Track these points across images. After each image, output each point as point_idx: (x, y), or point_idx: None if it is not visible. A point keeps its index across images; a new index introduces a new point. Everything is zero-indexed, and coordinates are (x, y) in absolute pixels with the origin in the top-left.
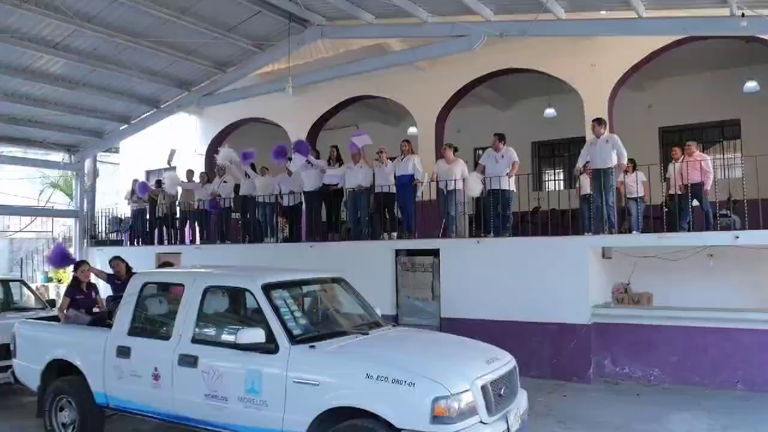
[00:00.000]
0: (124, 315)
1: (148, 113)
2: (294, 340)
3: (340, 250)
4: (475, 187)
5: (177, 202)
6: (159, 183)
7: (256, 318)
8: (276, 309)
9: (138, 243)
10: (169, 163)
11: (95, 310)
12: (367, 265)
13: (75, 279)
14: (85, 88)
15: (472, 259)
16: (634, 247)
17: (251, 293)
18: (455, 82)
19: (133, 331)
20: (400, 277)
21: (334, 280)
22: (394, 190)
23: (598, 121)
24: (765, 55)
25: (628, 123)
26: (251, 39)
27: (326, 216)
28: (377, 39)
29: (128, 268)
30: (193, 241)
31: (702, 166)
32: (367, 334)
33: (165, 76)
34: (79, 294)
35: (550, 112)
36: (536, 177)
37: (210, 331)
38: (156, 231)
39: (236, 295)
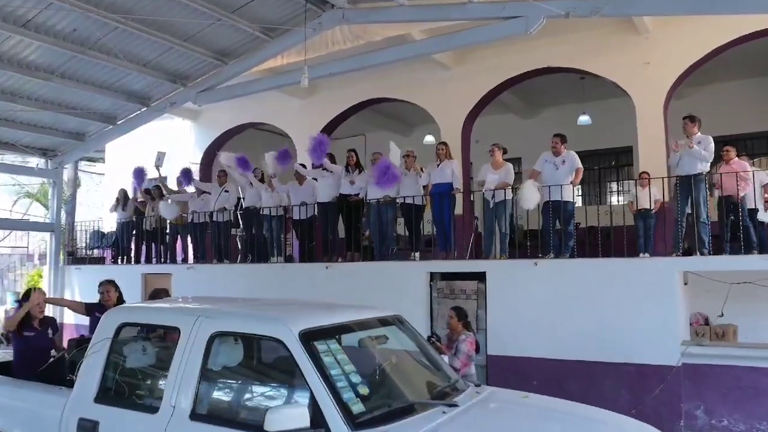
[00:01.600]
0: (90, 371)
1: (137, 112)
2: (355, 423)
3: (362, 272)
4: (531, 198)
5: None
6: (148, 192)
7: (291, 385)
8: (324, 372)
9: (122, 261)
10: (157, 167)
11: (53, 353)
12: (395, 291)
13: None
14: (64, 80)
15: (527, 284)
16: (730, 272)
17: (284, 345)
18: (485, 83)
19: (104, 397)
20: (436, 305)
21: (391, 321)
22: (421, 201)
23: (691, 119)
24: None
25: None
26: (259, 23)
27: (344, 231)
28: (407, 24)
29: (120, 298)
30: (185, 260)
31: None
32: (456, 406)
33: (157, 67)
34: (29, 330)
35: (584, 119)
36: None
37: (219, 403)
38: (143, 247)
39: (259, 347)
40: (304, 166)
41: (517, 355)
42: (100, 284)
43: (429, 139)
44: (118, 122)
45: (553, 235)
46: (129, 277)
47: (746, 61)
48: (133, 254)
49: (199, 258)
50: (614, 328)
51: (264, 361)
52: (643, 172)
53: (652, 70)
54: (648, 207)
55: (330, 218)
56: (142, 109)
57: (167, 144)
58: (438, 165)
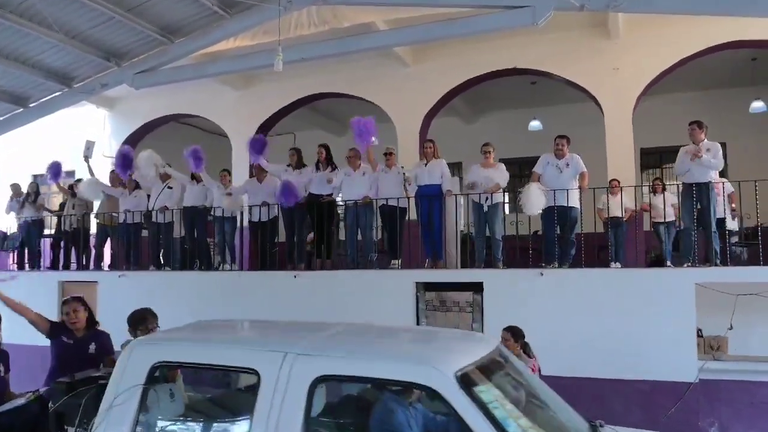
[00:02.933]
0: None
1: (56, 93)
2: None
3: (338, 282)
4: (537, 202)
5: (95, 213)
6: (71, 187)
7: None
8: (496, 423)
9: (32, 267)
10: (86, 159)
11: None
12: (376, 303)
13: None
14: None
15: (531, 295)
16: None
17: (436, 394)
18: (446, 82)
19: None
20: (424, 318)
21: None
22: (403, 204)
23: (699, 125)
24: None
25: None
26: None
27: (314, 236)
28: (373, 12)
29: (91, 320)
30: (114, 266)
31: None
32: None
33: (88, 40)
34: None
35: (535, 125)
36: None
37: None
38: (62, 251)
39: (385, 396)
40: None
41: None
42: (65, 302)
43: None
44: (31, 104)
45: (546, 243)
46: (42, 285)
47: (689, 76)
48: (47, 259)
49: (132, 264)
50: (626, 343)
51: (397, 417)
52: (613, 180)
53: (621, 76)
54: (619, 215)
55: (297, 220)
56: (64, 90)
57: (78, 134)
58: (426, 165)
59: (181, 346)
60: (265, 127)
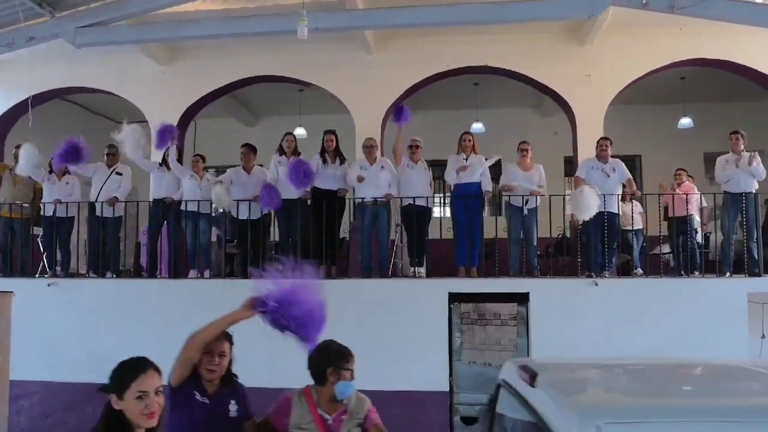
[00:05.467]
0: None
1: None
2: None
3: (355, 292)
4: (592, 205)
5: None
6: None
7: None
8: None
9: None
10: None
11: None
12: (403, 317)
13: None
14: None
15: (582, 307)
16: None
17: None
18: (412, 74)
19: None
20: (458, 332)
21: None
22: (429, 203)
23: (740, 134)
24: None
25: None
26: None
27: (315, 237)
28: None
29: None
30: (39, 272)
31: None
32: None
33: None
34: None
35: (477, 127)
36: None
37: None
38: None
39: None
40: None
41: None
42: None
43: (300, 132)
44: None
45: (595, 251)
46: None
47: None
48: None
49: (62, 269)
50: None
51: None
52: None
53: (592, 83)
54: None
55: (298, 219)
56: None
57: None
58: (466, 160)
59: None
60: (192, 111)
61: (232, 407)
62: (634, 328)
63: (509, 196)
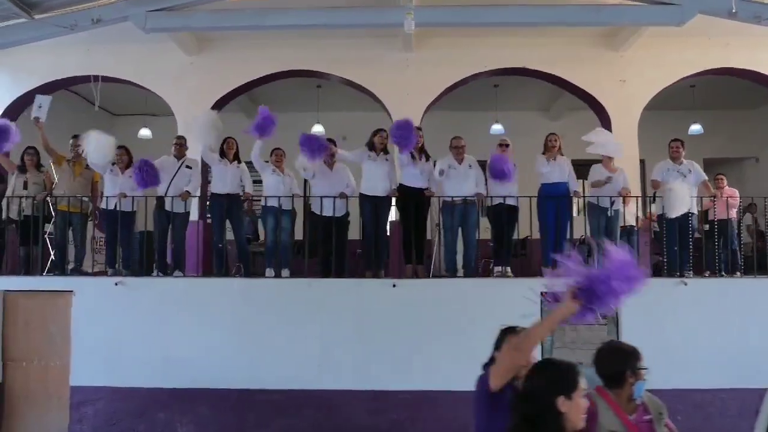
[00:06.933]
0: None
1: (10, 22)
2: None
3: (448, 292)
4: (686, 201)
5: (49, 196)
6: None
7: None
8: None
9: None
10: (37, 120)
11: None
12: (496, 317)
13: None
14: None
15: (670, 306)
16: None
17: None
18: (449, 74)
19: None
20: (551, 332)
21: None
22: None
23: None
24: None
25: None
26: None
27: (404, 236)
28: None
29: None
30: (97, 271)
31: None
32: None
33: None
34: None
35: (497, 128)
36: None
37: None
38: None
39: None
40: (333, 143)
41: (660, 387)
42: None
43: (318, 128)
44: None
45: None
46: None
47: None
48: None
49: (122, 267)
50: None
51: None
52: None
53: (627, 88)
54: (633, 224)
55: (381, 218)
56: (20, 20)
57: None
58: (554, 160)
59: None
60: (217, 108)
61: None
62: (723, 328)
63: (597, 197)
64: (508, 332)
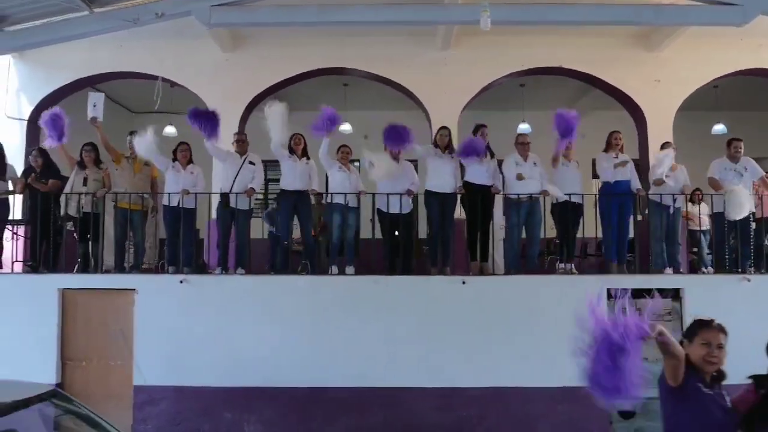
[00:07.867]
0: None
1: (64, 16)
2: None
3: (515, 289)
4: (745, 204)
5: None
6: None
7: None
8: None
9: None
10: (94, 120)
11: None
12: (564, 314)
13: None
14: None
15: (734, 302)
16: None
17: None
18: (487, 73)
19: None
20: None
21: None
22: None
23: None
24: None
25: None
26: None
27: (467, 234)
28: None
29: None
30: (161, 268)
31: None
32: None
33: None
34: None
35: (524, 128)
36: None
37: None
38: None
39: None
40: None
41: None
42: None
43: (345, 127)
44: (11, 27)
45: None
46: (27, 295)
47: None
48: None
49: (183, 265)
50: None
51: None
52: (697, 189)
53: (661, 87)
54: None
55: (447, 215)
56: (82, 13)
57: None
58: (617, 158)
59: None
60: (253, 104)
61: (726, 397)
62: None
63: (660, 194)
64: (699, 326)
